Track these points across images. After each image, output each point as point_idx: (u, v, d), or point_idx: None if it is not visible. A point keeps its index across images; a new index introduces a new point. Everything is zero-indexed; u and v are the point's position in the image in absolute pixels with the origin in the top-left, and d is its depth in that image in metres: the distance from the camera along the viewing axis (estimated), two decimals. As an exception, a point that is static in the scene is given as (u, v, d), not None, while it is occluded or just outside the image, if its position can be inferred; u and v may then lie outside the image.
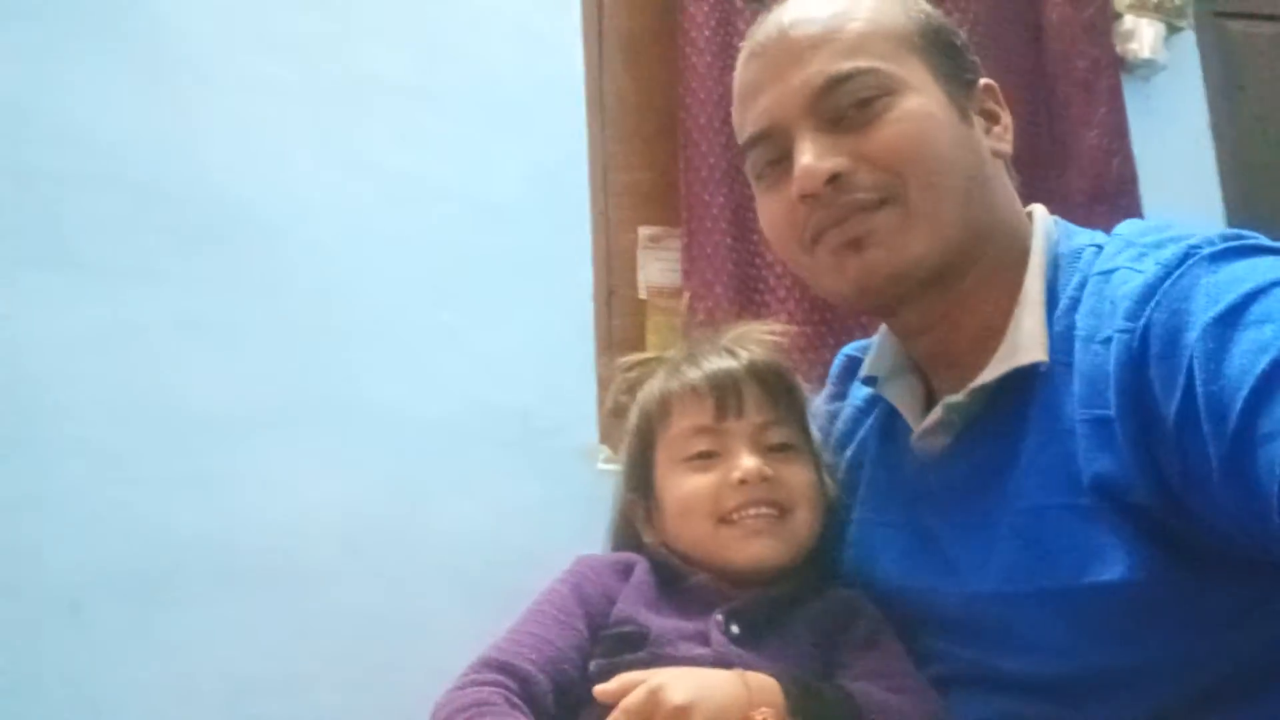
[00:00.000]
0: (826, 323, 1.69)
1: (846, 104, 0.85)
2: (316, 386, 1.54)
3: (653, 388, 0.99)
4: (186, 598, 1.41)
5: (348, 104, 1.64)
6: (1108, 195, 1.98)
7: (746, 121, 0.91)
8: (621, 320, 1.82)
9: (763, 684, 0.80)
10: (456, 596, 1.48)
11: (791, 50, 0.87)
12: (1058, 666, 0.79)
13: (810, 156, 0.84)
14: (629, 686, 0.77)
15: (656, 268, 1.86)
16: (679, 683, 0.77)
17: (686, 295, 1.66)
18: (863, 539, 0.98)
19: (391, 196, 1.63)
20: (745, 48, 0.93)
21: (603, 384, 1.68)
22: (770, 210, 0.92)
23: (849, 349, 1.14)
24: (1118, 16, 2.13)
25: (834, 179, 0.84)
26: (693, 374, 0.96)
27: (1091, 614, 0.76)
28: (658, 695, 0.75)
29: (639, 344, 1.79)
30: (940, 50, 0.89)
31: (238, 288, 1.53)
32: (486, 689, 0.81)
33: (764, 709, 0.76)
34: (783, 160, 0.88)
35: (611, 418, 1.11)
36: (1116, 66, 2.10)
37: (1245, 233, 0.79)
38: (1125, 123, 2.06)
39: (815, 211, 0.86)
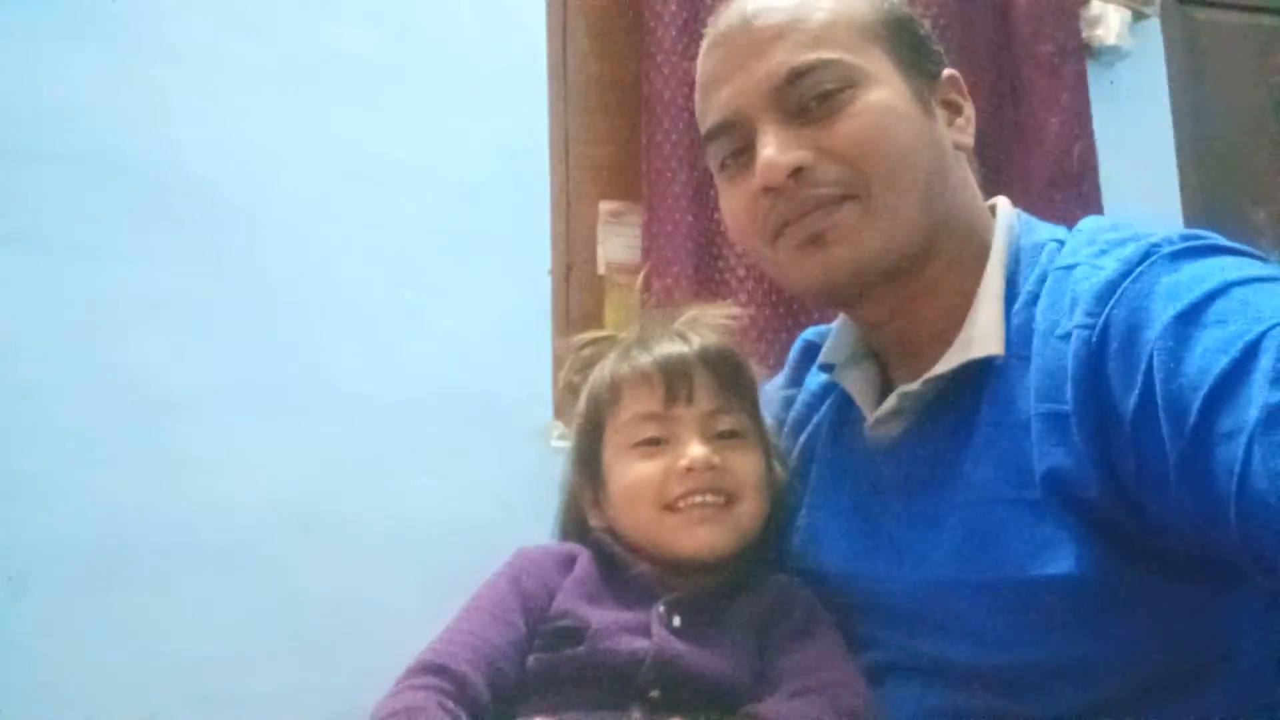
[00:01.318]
0: (786, 303, 1.68)
1: (809, 96, 0.84)
2: (277, 366, 1.52)
3: (603, 371, 0.98)
4: (142, 577, 1.39)
5: (313, 81, 1.60)
6: (1069, 180, 1.99)
7: (709, 111, 0.90)
8: (580, 296, 1.80)
9: None
10: (414, 577, 1.46)
11: (754, 40, 0.86)
12: (999, 657, 0.79)
13: (773, 149, 0.84)
14: None
15: (616, 244, 1.84)
16: None
17: (643, 272, 1.64)
18: (810, 525, 0.98)
19: (355, 174, 1.61)
20: (708, 36, 0.92)
21: (558, 361, 1.67)
22: (732, 202, 0.91)
23: (808, 334, 1.14)
24: (1085, 2, 2.13)
25: (796, 172, 0.83)
26: (643, 359, 0.95)
27: (1035, 606, 0.76)
28: None
29: (597, 321, 1.78)
30: (904, 41, 0.88)
31: (201, 267, 1.50)
32: (420, 693, 0.80)
33: None
34: (745, 151, 0.88)
35: (565, 395, 1.09)
36: (1081, 52, 2.11)
37: (1205, 233, 0.79)
38: (1088, 109, 2.07)
39: (777, 204, 0.85)
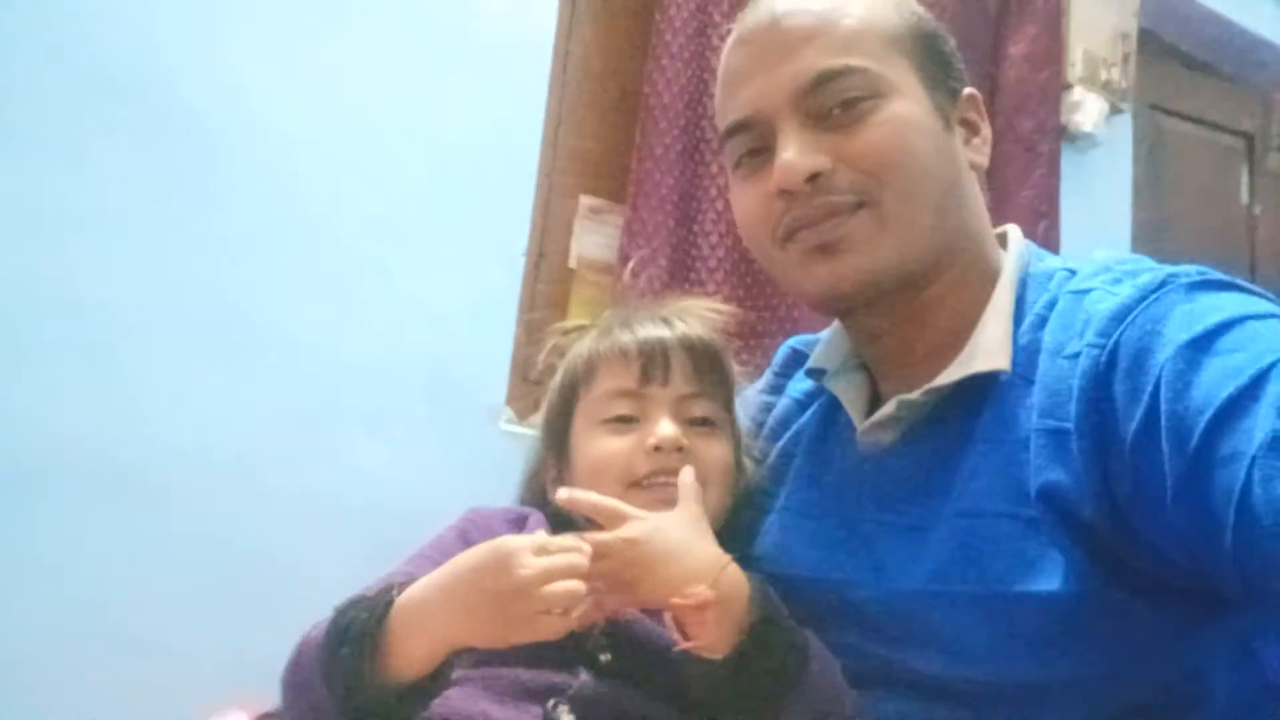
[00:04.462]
0: (762, 308, 1.69)
1: (833, 102, 0.84)
2: (232, 303, 1.46)
3: (582, 347, 0.97)
4: (62, 501, 1.32)
5: (315, 23, 1.57)
6: (1032, 254, 2.03)
7: (730, 109, 0.89)
8: (547, 286, 1.78)
9: (734, 580, 0.79)
10: (347, 541, 1.40)
11: (782, 41, 0.85)
12: (974, 671, 0.78)
13: (792, 152, 0.83)
14: (609, 511, 0.79)
15: (591, 240, 1.82)
16: (657, 544, 0.77)
17: (631, 263, 1.63)
18: (781, 527, 0.96)
19: (342, 122, 1.57)
20: (734, 32, 0.91)
21: (519, 345, 1.65)
22: (745, 201, 0.90)
23: (794, 342, 1.13)
24: (1068, 87, 2.20)
25: (814, 178, 0.83)
26: (624, 337, 0.94)
27: (1018, 622, 0.76)
28: (631, 550, 0.76)
29: (561, 312, 1.76)
30: (930, 55, 0.88)
31: (166, 188, 1.44)
32: None
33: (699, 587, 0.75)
34: (763, 151, 0.87)
35: (537, 379, 1.07)
36: (1059, 134, 2.17)
37: (1218, 271, 0.81)
38: (1058, 189, 2.13)
39: (791, 208, 0.85)
